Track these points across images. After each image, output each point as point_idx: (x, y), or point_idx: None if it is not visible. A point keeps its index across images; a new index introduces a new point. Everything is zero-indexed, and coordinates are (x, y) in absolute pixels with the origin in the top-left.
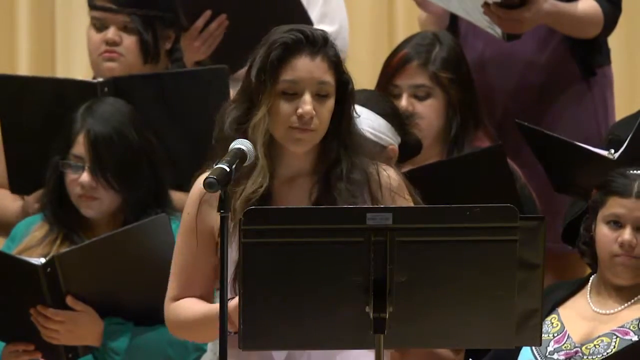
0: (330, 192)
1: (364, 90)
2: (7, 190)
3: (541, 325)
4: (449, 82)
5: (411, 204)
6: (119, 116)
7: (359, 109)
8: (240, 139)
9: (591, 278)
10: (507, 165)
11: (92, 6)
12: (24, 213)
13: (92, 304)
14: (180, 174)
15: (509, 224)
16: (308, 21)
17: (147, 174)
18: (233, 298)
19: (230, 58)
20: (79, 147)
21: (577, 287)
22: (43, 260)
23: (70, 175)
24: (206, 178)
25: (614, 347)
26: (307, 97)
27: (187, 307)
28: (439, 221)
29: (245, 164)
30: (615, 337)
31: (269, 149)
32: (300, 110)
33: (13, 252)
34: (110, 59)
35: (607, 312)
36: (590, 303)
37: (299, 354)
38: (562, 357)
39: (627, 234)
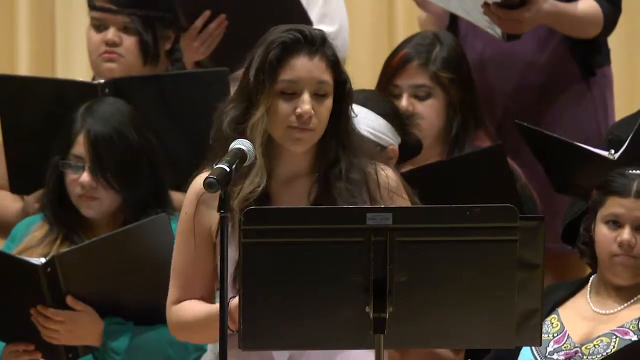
0: (330, 191)
1: (364, 90)
2: (7, 190)
3: (541, 325)
4: (450, 82)
5: (409, 204)
6: (119, 116)
7: (359, 109)
8: (240, 139)
9: (591, 278)
10: (508, 165)
11: (91, 7)
12: (24, 213)
13: (92, 304)
14: (180, 176)
15: (509, 224)
16: (307, 21)
17: (147, 174)
18: (234, 297)
19: (230, 58)
20: (79, 147)
21: (577, 287)
22: (43, 260)
23: (70, 175)
24: (206, 178)
25: (614, 347)
26: (305, 96)
27: (188, 309)
28: (439, 221)
29: (245, 164)
30: (614, 337)
31: (266, 149)
32: (299, 110)
33: (13, 252)
34: (110, 60)
35: (607, 312)
36: (590, 303)
37: (299, 354)
38: (562, 357)
39: (626, 233)
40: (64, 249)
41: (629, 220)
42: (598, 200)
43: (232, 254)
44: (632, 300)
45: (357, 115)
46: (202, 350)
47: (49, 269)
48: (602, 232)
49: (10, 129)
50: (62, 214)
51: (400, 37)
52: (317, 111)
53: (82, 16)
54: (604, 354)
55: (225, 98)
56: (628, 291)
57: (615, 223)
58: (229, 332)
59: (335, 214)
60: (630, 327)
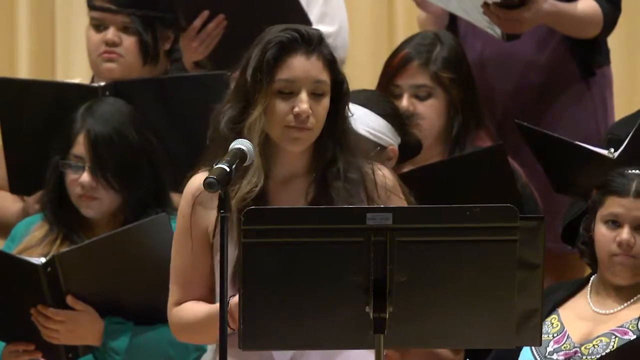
0: (328, 191)
1: (365, 91)
2: (7, 191)
3: (541, 325)
4: (450, 82)
5: (406, 204)
6: (119, 116)
7: (359, 109)
8: (240, 139)
9: (591, 278)
10: (508, 165)
11: (91, 6)
12: (25, 214)
13: (92, 304)
14: (180, 178)
15: (509, 224)
16: (306, 21)
17: (147, 174)
18: (233, 296)
19: (228, 58)
20: (79, 147)
21: (577, 287)
22: (43, 259)
23: (71, 175)
24: (206, 178)
25: (613, 346)
26: (303, 95)
27: (189, 310)
28: (439, 221)
29: (245, 164)
30: (614, 337)
31: (264, 149)
32: (296, 109)
33: (13, 251)
34: (110, 60)
35: (607, 312)
36: (590, 303)
37: (299, 354)
38: (562, 358)
39: (625, 233)
40: (64, 249)
41: (628, 219)
42: (597, 200)
43: (231, 254)
44: (631, 300)
45: (353, 115)
46: (202, 350)
47: (49, 269)
48: (602, 231)
49: (10, 131)
50: (62, 214)
51: (400, 37)
52: (315, 110)
53: (82, 16)
54: (604, 354)
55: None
56: (628, 291)
57: (615, 223)
58: (229, 331)
59: (335, 214)
60: (630, 327)
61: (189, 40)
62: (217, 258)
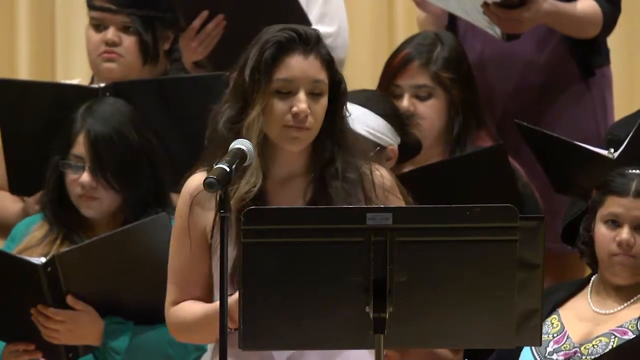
0: (326, 191)
1: (365, 91)
2: (7, 192)
3: (541, 325)
4: (451, 82)
5: (404, 204)
6: (119, 116)
7: (359, 109)
8: (240, 139)
9: (592, 278)
10: (509, 165)
11: (91, 6)
12: (25, 214)
13: (92, 304)
14: (180, 178)
15: (509, 224)
16: (306, 21)
17: (147, 174)
18: (231, 295)
19: (228, 58)
20: (79, 147)
21: (577, 287)
22: (43, 259)
23: (71, 175)
24: (206, 178)
25: (612, 347)
26: (301, 95)
27: (187, 310)
28: (439, 221)
29: (245, 164)
30: (613, 337)
31: (262, 149)
32: (295, 109)
33: (13, 251)
34: (110, 60)
35: (607, 312)
36: (591, 303)
37: (298, 354)
38: (561, 358)
39: (624, 233)
40: (64, 249)
41: (627, 219)
42: (597, 200)
43: (229, 254)
44: (631, 300)
45: (351, 115)
46: (202, 350)
47: (49, 269)
48: (601, 231)
49: (10, 132)
50: (62, 214)
51: (400, 37)
52: (313, 110)
53: (82, 16)
54: (602, 353)
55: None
56: (628, 291)
57: (614, 223)
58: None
59: (336, 214)
60: (630, 327)
61: (188, 40)
62: (216, 258)
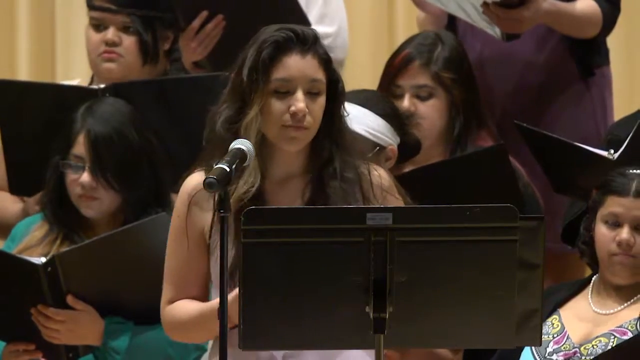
0: (324, 191)
1: (364, 91)
2: (7, 192)
3: (541, 325)
4: (452, 82)
5: (402, 204)
6: (119, 116)
7: (358, 109)
8: (240, 139)
9: (593, 278)
10: (510, 165)
11: (91, 6)
12: (25, 215)
13: (92, 303)
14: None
15: (509, 224)
16: (305, 22)
17: (147, 174)
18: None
19: (227, 59)
20: (79, 147)
21: (578, 287)
22: (44, 259)
23: (71, 176)
24: (206, 178)
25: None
26: (299, 94)
27: (182, 308)
28: (439, 221)
29: (245, 164)
30: (613, 337)
31: (260, 149)
32: (293, 108)
33: (13, 251)
34: (110, 60)
35: (607, 312)
36: (591, 303)
37: (296, 352)
38: (561, 358)
39: (624, 233)
40: (65, 249)
41: (627, 219)
42: (598, 199)
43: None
44: (631, 301)
45: (349, 115)
46: (202, 349)
47: (49, 269)
48: (601, 231)
49: (10, 133)
50: (62, 214)
51: (400, 37)
52: (311, 109)
53: (82, 16)
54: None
55: None
56: (628, 291)
57: (615, 222)
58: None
59: (336, 214)
60: (629, 327)
61: (188, 41)
62: (214, 258)
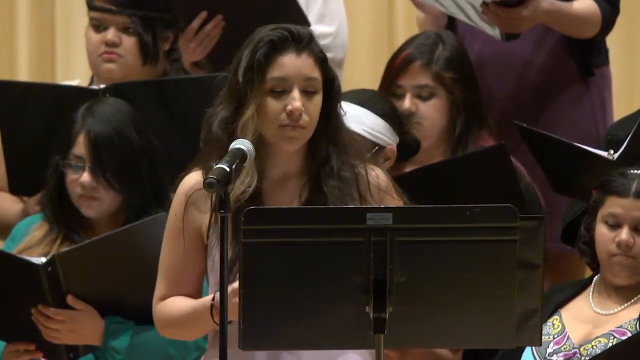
0: (321, 191)
1: (363, 90)
2: (7, 192)
3: (541, 325)
4: (453, 82)
5: (400, 204)
6: (119, 116)
7: (357, 108)
8: (240, 139)
9: (594, 279)
10: (511, 164)
11: (91, 7)
12: (25, 215)
13: (92, 303)
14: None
15: (509, 224)
16: (305, 22)
17: (148, 174)
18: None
19: (227, 59)
20: (80, 147)
21: (579, 288)
22: (44, 259)
23: (71, 176)
24: (207, 178)
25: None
26: (295, 93)
27: (174, 305)
28: (439, 221)
29: (245, 164)
30: (613, 337)
31: (257, 149)
32: (289, 107)
33: (13, 251)
34: (110, 60)
35: (607, 312)
36: (592, 304)
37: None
38: (561, 358)
39: (624, 233)
40: (65, 249)
41: (627, 220)
42: (598, 200)
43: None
44: (631, 301)
45: (346, 114)
46: (202, 349)
47: (49, 269)
48: (601, 231)
49: (10, 133)
50: (62, 214)
51: (400, 38)
52: (307, 108)
53: (82, 16)
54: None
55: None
56: (628, 291)
57: (614, 223)
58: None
59: (336, 214)
60: (629, 328)
61: (187, 41)
62: (212, 258)
